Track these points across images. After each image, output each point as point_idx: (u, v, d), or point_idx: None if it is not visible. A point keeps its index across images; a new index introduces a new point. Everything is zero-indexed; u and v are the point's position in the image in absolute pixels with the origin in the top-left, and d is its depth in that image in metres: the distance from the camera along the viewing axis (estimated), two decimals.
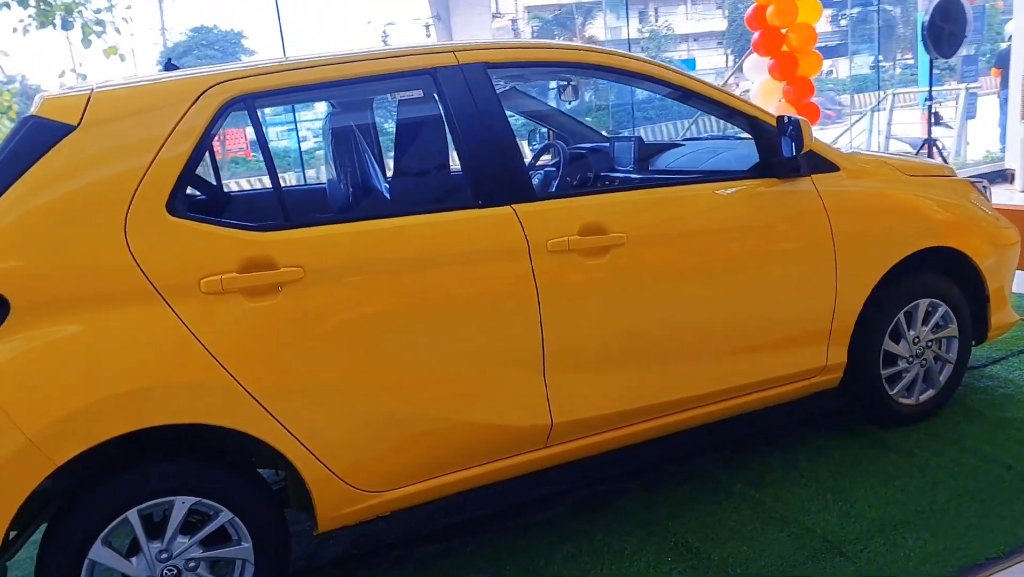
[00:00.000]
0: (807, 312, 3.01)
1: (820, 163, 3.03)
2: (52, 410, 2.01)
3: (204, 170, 3.01)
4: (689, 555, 2.59)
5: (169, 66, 2.79)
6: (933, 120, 7.58)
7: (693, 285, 2.79)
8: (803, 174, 2.96)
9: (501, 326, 2.52)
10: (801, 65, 6.12)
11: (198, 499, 2.21)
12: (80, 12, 7.98)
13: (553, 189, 3.67)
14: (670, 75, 2.89)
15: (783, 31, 6.13)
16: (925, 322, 3.28)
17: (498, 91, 2.65)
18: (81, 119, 2.16)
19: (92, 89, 2.24)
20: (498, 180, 2.54)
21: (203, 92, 2.26)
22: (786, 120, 2.82)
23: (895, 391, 3.26)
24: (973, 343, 3.50)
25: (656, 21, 41.63)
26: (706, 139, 3.47)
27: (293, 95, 2.53)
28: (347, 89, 2.65)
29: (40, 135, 2.13)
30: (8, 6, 7.90)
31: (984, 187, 3.55)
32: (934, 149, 7.29)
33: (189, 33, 37.14)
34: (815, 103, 6.38)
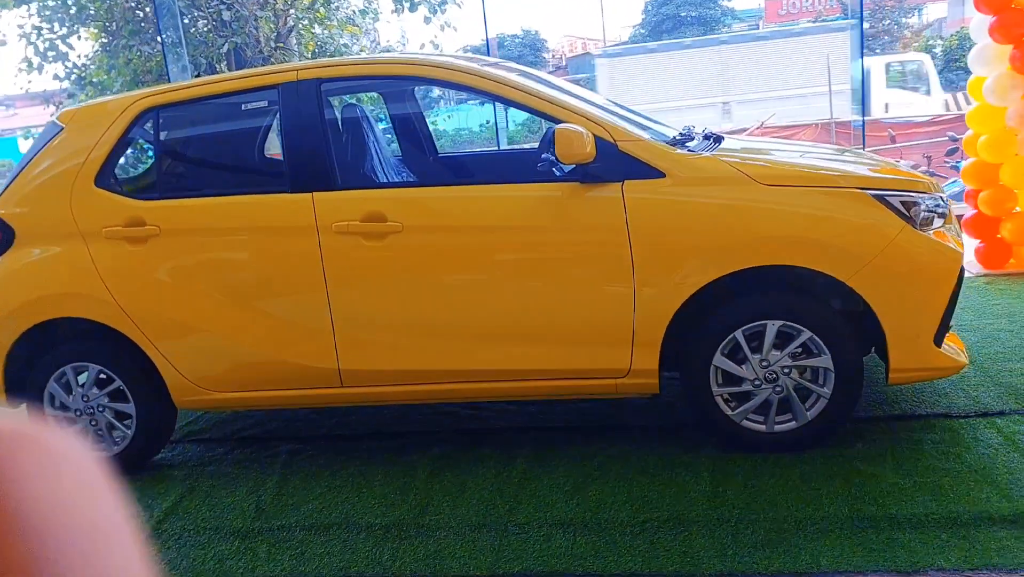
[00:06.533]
0: (595, 314, 3.06)
1: (639, 168, 3.01)
2: (23, 295, 3.46)
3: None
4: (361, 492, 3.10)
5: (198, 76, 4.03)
6: None
7: (465, 272, 3.13)
8: (607, 180, 3.00)
9: (299, 287, 3.28)
10: None
11: (101, 368, 3.49)
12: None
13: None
14: (490, 85, 3.17)
15: None
16: (782, 346, 3.01)
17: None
18: (68, 123, 3.51)
19: (82, 103, 3.57)
20: (307, 172, 3.26)
21: (127, 107, 3.44)
22: (550, 130, 2.92)
23: (735, 412, 3.09)
24: (888, 383, 3.04)
25: None
26: None
27: (187, 105, 3.54)
28: (222, 99, 3.56)
29: (50, 131, 3.55)
30: None
31: (917, 203, 2.94)
32: None
33: None
34: None
